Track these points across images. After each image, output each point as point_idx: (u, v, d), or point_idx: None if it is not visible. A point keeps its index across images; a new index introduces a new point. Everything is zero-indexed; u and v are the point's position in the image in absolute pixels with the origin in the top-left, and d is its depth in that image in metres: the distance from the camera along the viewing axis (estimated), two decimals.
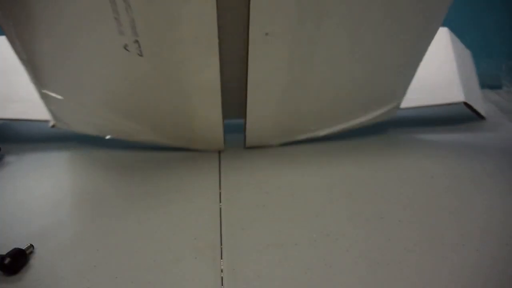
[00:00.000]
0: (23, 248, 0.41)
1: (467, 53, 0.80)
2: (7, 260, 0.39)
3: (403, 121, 0.70)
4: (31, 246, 0.42)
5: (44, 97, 0.56)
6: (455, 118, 0.73)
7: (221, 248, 0.43)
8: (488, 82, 0.86)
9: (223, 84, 0.53)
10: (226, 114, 0.57)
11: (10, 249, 0.41)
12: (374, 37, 0.53)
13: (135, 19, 0.45)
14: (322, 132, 0.63)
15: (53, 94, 0.56)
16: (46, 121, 0.63)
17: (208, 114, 0.57)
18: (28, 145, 0.64)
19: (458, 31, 0.80)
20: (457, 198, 0.52)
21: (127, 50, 0.48)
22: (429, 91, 0.70)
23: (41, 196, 0.52)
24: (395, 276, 0.39)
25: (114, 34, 0.47)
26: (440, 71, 0.73)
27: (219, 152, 0.62)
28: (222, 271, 0.40)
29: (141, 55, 0.49)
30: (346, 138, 0.64)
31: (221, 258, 0.41)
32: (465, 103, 0.70)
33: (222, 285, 0.38)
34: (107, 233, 0.45)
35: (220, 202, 0.51)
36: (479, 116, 0.73)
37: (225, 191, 0.53)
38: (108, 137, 0.61)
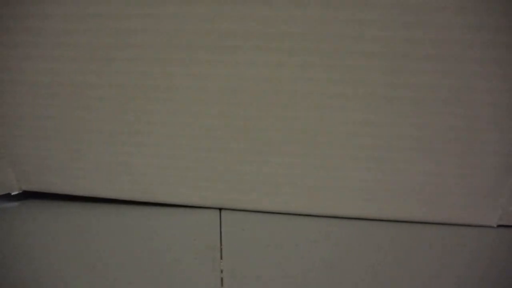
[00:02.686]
0: None
1: None
2: None
3: None
4: None
5: None
6: None
7: (221, 248, 0.43)
8: None
9: None
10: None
11: None
12: None
13: None
14: None
15: None
16: None
17: None
18: None
19: None
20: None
21: None
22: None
23: None
24: (395, 277, 0.39)
25: None
26: None
27: None
28: (222, 271, 0.39)
29: None
30: None
31: (221, 259, 0.41)
32: None
33: (222, 285, 0.38)
34: (105, 233, 0.45)
35: None
36: None
37: None
38: None
